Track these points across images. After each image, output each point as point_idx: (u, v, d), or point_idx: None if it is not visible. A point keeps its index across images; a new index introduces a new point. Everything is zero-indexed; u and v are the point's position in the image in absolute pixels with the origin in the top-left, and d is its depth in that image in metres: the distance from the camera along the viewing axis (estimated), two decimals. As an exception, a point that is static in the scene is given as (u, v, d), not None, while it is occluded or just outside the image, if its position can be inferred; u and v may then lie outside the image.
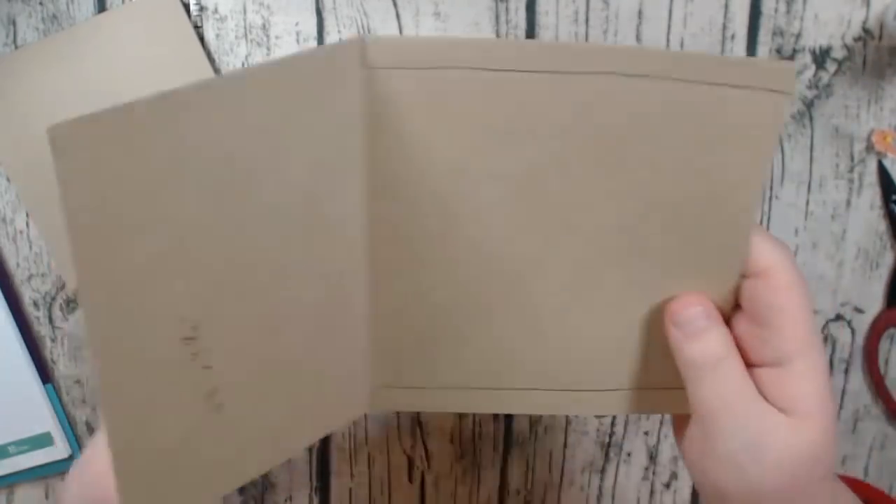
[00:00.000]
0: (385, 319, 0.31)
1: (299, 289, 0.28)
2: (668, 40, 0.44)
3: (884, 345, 0.47)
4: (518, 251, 0.30)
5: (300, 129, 0.26)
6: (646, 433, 0.50)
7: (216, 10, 0.44)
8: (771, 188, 0.45)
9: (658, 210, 0.29)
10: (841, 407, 0.49)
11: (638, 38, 0.44)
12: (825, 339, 0.48)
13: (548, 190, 0.29)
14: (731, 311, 0.30)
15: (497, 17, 0.43)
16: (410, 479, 0.52)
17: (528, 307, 0.31)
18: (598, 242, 0.30)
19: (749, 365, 0.29)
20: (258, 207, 0.26)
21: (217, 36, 0.44)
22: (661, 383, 0.31)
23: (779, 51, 0.44)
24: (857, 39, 0.43)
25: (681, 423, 0.31)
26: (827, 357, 0.48)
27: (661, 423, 0.50)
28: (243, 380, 0.28)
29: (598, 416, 0.50)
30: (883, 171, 0.44)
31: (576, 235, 0.30)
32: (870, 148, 0.44)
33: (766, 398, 0.28)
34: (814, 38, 0.43)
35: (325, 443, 0.51)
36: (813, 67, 0.44)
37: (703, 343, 0.29)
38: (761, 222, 0.46)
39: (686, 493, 0.51)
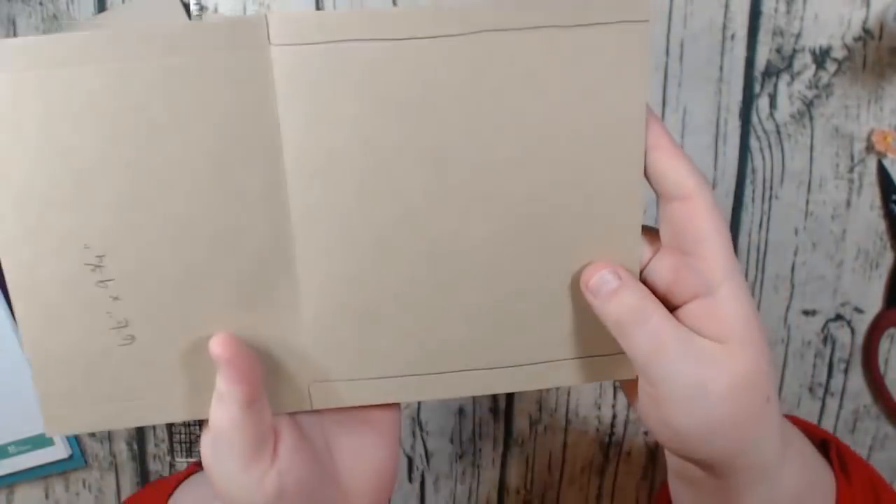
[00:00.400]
0: (314, 308, 0.32)
1: (213, 256, 0.30)
2: (668, 40, 0.44)
3: (884, 345, 0.47)
4: (437, 226, 0.31)
5: (204, 95, 0.29)
6: (645, 433, 0.50)
7: (216, 10, 0.44)
8: (771, 188, 0.45)
9: (560, 169, 0.30)
10: (841, 407, 0.49)
11: (638, 38, 0.44)
12: (825, 339, 0.48)
13: (457, 159, 0.30)
14: (646, 260, 0.31)
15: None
16: (410, 479, 0.52)
17: (453, 285, 0.31)
18: (511, 211, 0.31)
19: (678, 305, 0.30)
20: (161, 161, 0.29)
21: (217, 36, 0.44)
22: (601, 350, 0.32)
23: (779, 51, 0.44)
24: (857, 39, 0.43)
25: (631, 389, 0.32)
26: (827, 357, 0.48)
27: (661, 422, 0.50)
28: (157, 324, 0.31)
29: (596, 415, 0.50)
30: (883, 171, 0.44)
31: (490, 205, 0.30)
32: (870, 148, 0.44)
33: (698, 334, 0.29)
34: (814, 38, 0.43)
35: (326, 443, 0.51)
36: (813, 67, 0.44)
37: (618, 300, 0.29)
38: (761, 222, 0.46)
39: (686, 493, 0.51)
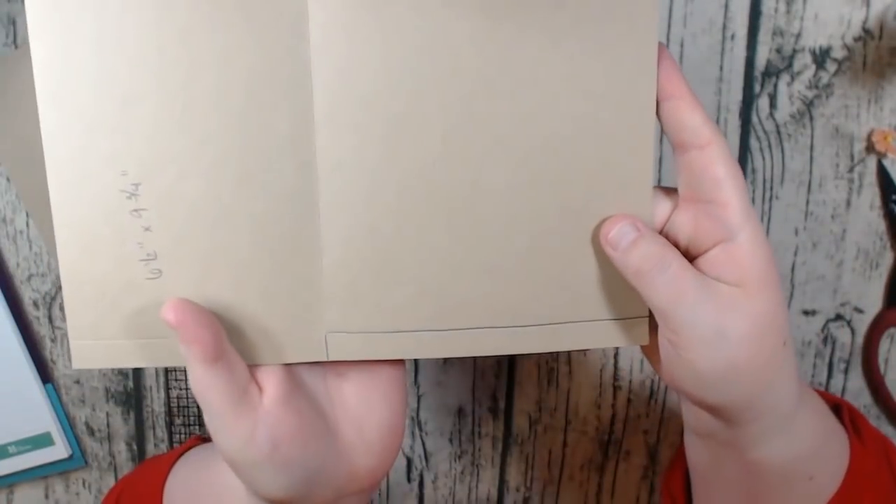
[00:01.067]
0: (335, 257, 0.32)
1: (240, 195, 0.31)
2: (668, 40, 0.44)
3: (884, 345, 0.47)
4: (457, 178, 0.31)
5: (242, 34, 0.30)
6: (645, 432, 0.50)
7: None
8: (771, 188, 0.45)
9: (574, 121, 0.31)
10: (841, 407, 0.49)
11: (638, 38, 0.44)
12: (825, 339, 0.48)
13: (476, 107, 0.31)
14: (666, 216, 0.32)
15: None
16: (409, 479, 0.52)
17: (472, 240, 0.32)
18: (528, 163, 0.31)
19: (699, 255, 0.30)
20: (198, 95, 0.30)
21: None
22: (617, 314, 0.33)
23: (779, 51, 0.44)
24: (857, 39, 0.43)
25: (651, 351, 0.32)
26: (827, 357, 0.48)
27: (661, 422, 0.50)
28: (184, 259, 0.32)
29: (596, 414, 0.50)
30: (883, 172, 0.44)
31: (507, 156, 0.31)
32: (870, 148, 0.44)
33: (718, 280, 0.29)
34: (814, 38, 0.43)
35: (325, 442, 0.51)
36: (813, 67, 0.44)
37: (639, 250, 0.30)
38: (761, 222, 0.46)
39: (686, 493, 0.51)
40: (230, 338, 0.31)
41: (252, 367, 0.32)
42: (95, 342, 0.32)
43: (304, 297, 0.32)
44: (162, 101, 0.30)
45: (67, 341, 0.49)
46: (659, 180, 0.46)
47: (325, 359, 0.33)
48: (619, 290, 0.32)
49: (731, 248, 0.30)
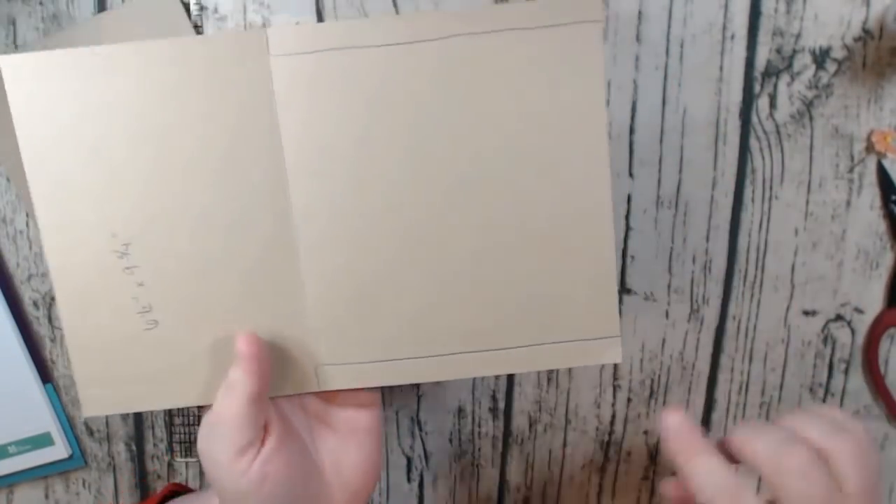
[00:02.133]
0: (317, 297, 0.35)
1: (225, 247, 0.34)
2: (668, 40, 0.44)
3: (884, 345, 0.47)
4: (423, 216, 0.34)
5: (213, 102, 0.33)
6: (645, 432, 0.50)
7: (216, 10, 0.44)
8: (771, 188, 0.45)
9: (531, 160, 0.33)
10: (841, 407, 0.49)
11: (638, 38, 0.44)
12: (825, 339, 0.48)
13: (438, 152, 0.33)
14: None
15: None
16: (409, 479, 0.52)
17: (442, 273, 0.34)
18: (490, 202, 0.34)
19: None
20: (178, 160, 0.33)
21: (217, 36, 0.44)
22: (587, 334, 0.35)
23: (779, 51, 0.44)
24: (857, 39, 0.43)
25: None
26: (827, 357, 0.48)
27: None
28: (177, 309, 0.34)
29: (596, 414, 0.50)
30: (882, 172, 0.44)
31: (470, 195, 0.34)
32: (870, 148, 0.44)
33: None
34: (814, 38, 0.43)
35: (325, 443, 0.51)
36: (813, 67, 0.44)
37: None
38: (761, 222, 0.46)
39: (686, 493, 0.51)
40: (218, 382, 0.34)
41: None
42: (103, 391, 0.35)
43: (292, 334, 0.35)
44: (143, 166, 0.33)
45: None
46: (659, 182, 0.46)
47: (316, 389, 0.35)
48: (591, 312, 0.34)
49: None
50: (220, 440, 0.33)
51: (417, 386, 0.50)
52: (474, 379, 0.50)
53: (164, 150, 0.33)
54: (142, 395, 0.35)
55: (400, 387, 0.50)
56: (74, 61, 0.32)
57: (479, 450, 0.51)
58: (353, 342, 0.35)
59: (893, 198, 0.45)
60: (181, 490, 0.44)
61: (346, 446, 0.37)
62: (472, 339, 0.35)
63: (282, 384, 0.35)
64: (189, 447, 0.51)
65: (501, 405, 0.50)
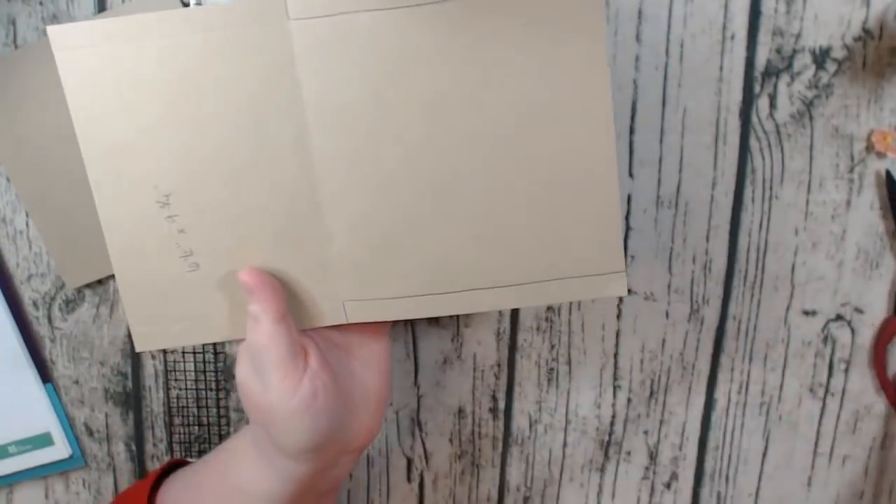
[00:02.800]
0: (342, 240, 0.38)
1: (256, 196, 0.37)
2: (668, 40, 0.44)
3: (890, 351, 0.47)
4: (436, 163, 0.36)
5: (238, 64, 0.35)
6: (645, 432, 0.50)
7: (216, 10, 0.44)
8: (771, 188, 0.45)
9: (535, 109, 0.35)
10: (841, 407, 0.49)
11: (638, 38, 0.44)
12: (825, 339, 0.48)
13: (448, 104, 0.35)
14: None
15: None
16: (409, 480, 0.52)
17: (456, 214, 0.37)
18: (500, 147, 0.36)
19: None
20: (209, 118, 0.36)
21: (217, 36, 0.44)
22: (595, 270, 0.37)
23: (779, 51, 0.44)
24: (857, 39, 0.43)
25: None
26: (827, 357, 0.48)
27: (661, 422, 0.50)
28: (216, 252, 0.38)
29: (596, 414, 0.50)
30: (891, 181, 0.44)
31: (481, 143, 0.36)
32: (870, 148, 0.44)
33: None
34: (814, 38, 0.43)
35: (325, 443, 0.51)
36: (813, 67, 0.44)
37: None
38: (761, 222, 0.46)
39: (687, 494, 0.51)
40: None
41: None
42: (151, 328, 0.39)
43: (321, 273, 0.38)
44: (179, 124, 0.36)
45: (67, 341, 0.49)
46: (659, 182, 0.46)
47: (345, 321, 0.39)
48: (596, 249, 0.37)
49: None
50: (265, 365, 0.36)
51: (417, 386, 0.50)
52: (474, 379, 0.50)
53: (197, 109, 0.36)
54: (186, 331, 0.39)
55: (401, 386, 0.50)
56: (114, 29, 0.35)
57: (479, 450, 0.51)
58: (377, 280, 0.38)
59: None
60: (181, 464, 0.45)
61: (366, 371, 0.41)
62: (485, 276, 0.37)
63: (314, 318, 0.39)
64: (188, 447, 0.52)
65: (501, 405, 0.50)
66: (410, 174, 0.36)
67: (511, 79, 0.35)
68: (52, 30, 0.35)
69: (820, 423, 0.49)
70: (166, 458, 0.52)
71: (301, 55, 0.35)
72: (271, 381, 0.36)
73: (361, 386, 0.40)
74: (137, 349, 0.40)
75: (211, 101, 0.36)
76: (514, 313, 0.48)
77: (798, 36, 0.43)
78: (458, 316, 0.49)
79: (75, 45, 0.35)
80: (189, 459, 0.49)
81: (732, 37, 0.44)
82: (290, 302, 0.38)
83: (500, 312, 0.48)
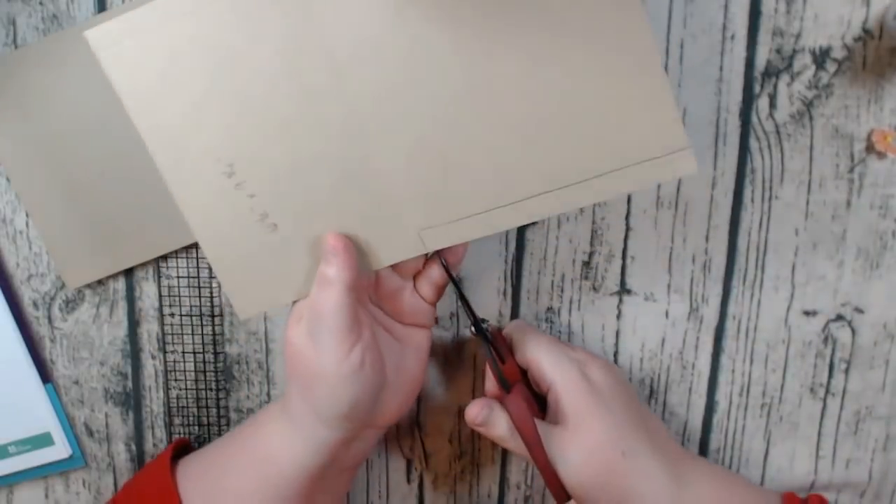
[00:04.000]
0: (401, 172, 0.38)
1: (308, 141, 0.38)
2: (668, 40, 0.44)
3: (884, 345, 0.47)
4: (483, 79, 0.36)
5: (260, 19, 0.36)
6: (646, 434, 0.50)
7: (216, 10, 0.44)
8: (771, 188, 0.45)
9: (571, 14, 0.35)
10: (842, 408, 0.48)
11: (637, 38, 0.44)
12: (825, 339, 0.47)
13: (482, 15, 0.35)
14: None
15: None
16: (409, 480, 0.52)
17: (511, 123, 0.37)
18: (537, 46, 0.35)
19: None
20: (248, 78, 0.37)
21: (217, 36, 0.44)
22: (656, 152, 0.36)
23: (779, 51, 0.44)
24: (857, 39, 0.43)
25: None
26: (828, 357, 0.48)
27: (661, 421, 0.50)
28: (289, 208, 0.39)
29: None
30: None
31: (518, 44, 0.35)
32: (870, 148, 0.44)
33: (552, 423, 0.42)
34: (814, 38, 0.43)
35: (325, 443, 0.51)
36: (813, 67, 0.44)
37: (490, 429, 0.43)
38: (761, 222, 0.46)
39: (686, 494, 0.51)
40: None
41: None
42: (248, 295, 0.41)
43: (391, 209, 0.39)
44: (223, 94, 0.37)
45: (67, 341, 0.49)
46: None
47: (424, 251, 0.40)
48: (654, 130, 0.36)
49: (553, 393, 0.41)
50: (323, 328, 0.38)
51: (417, 386, 0.50)
52: (474, 379, 0.50)
53: (234, 75, 0.36)
54: (280, 291, 0.40)
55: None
56: (142, 18, 0.36)
57: (479, 450, 0.51)
58: (446, 202, 0.38)
59: None
60: (186, 444, 0.48)
61: (405, 356, 0.43)
62: (550, 179, 0.37)
63: (392, 253, 0.40)
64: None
65: (501, 406, 0.50)
66: (452, 88, 0.36)
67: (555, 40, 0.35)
68: (89, 34, 0.36)
69: (821, 424, 0.49)
70: (166, 459, 0.52)
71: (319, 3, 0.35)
72: (327, 345, 0.38)
73: (401, 368, 0.42)
74: (241, 318, 0.41)
75: (245, 64, 0.36)
76: (514, 313, 0.48)
77: (798, 36, 0.43)
78: (457, 316, 0.49)
79: (113, 43, 0.36)
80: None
81: (732, 37, 0.44)
82: (365, 242, 0.40)
83: (500, 312, 0.48)
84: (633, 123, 0.36)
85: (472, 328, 0.43)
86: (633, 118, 0.36)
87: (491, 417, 0.42)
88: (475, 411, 0.42)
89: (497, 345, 0.43)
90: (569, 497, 0.41)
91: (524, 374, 0.43)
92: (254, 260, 0.40)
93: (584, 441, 0.40)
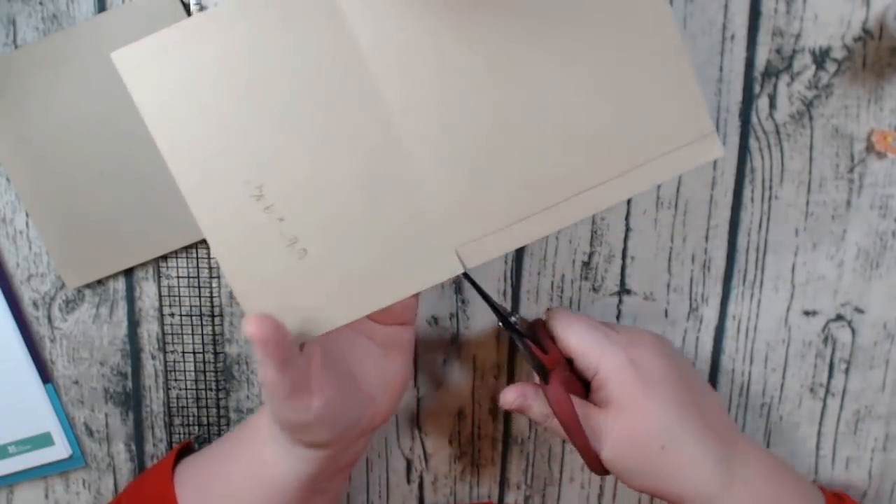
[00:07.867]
0: (435, 183, 0.37)
1: (340, 160, 0.37)
2: (667, 40, 0.44)
3: (884, 345, 0.47)
4: (507, 83, 0.36)
5: (288, 37, 0.35)
6: (646, 434, 0.50)
7: (216, 11, 0.44)
8: (770, 188, 0.45)
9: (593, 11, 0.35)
10: (842, 408, 0.48)
11: (637, 38, 0.44)
12: (825, 339, 0.47)
13: (510, 20, 0.35)
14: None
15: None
16: (409, 481, 0.52)
17: (538, 130, 0.36)
18: (561, 45, 0.36)
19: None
20: (277, 97, 0.36)
21: (216, 36, 0.44)
22: (681, 141, 0.36)
23: (779, 51, 0.44)
24: (857, 39, 0.43)
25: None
26: (828, 357, 0.48)
27: (661, 423, 0.50)
28: (319, 231, 0.37)
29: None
30: None
31: (543, 45, 0.36)
32: (870, 148, 0.44)
33: (595, 403, 0.41)
34: (814, 38, 0.43)
35: (325, 443, 0.51)
36: (813, 67, 0.44)
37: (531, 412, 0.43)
38: (761, 222, 0.46)
39: (686, 494, 0.51)
40: (382, 283, 0.38)
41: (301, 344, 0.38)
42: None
43: (424, 227, 0.38)
44: (250, 114, 0.36)
45: (67, 341, 0.49)
46: (659, 180, 0.46)
47: (462, 270, 0.38)
48: (680, 118, 0.36)
49: (598, 379, 0.40)
50: (271, 399, 0.37)
51: (417, 387, 0.50)
52: (474, 380, 0.50)
53: (263, 94, 0.36)
54: (315, 319, 0.38)
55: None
56: (167, 39, 0.35)
57: (479, 451, 0.51)
58: (482, 214, 0.37)
59: None
60: (187, 445, 0.48)
61: (390, 360, 0.42)
62: (583, 179, 0.37)
63: (427, 276, 0.38)
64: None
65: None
66: (482, 98, 0.36)
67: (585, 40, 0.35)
68: (115, 55, 0.35)
69: (821, 424, 0.49)
70: (166, 459, 0.52)
71: (349, 6, 0.35)
72: (280, 410, 0.38)
73: (386, 375, 0.42)
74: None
75: (274, 83, 0.36)
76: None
77: (798, 36, 0.43)
78: (458, 316, 0.49)
79: (139, 64, 0.35)
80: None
81: (732, 37, 0.44)
82: (398, 267, 0.38)
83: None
84: (662, 113, 0.36)
85: (501, 324, 0.42)
86: (661, 107, 0.36)
87: (526, 404, 0.42)
88: (510, 398, 0.42)
89: (538, 336, 0.42)
90: (607, 472, 0.41)
91: (570, 361, 0.42)
92: (284, 289, 0.38)
93: (624, 430, 0.39)
